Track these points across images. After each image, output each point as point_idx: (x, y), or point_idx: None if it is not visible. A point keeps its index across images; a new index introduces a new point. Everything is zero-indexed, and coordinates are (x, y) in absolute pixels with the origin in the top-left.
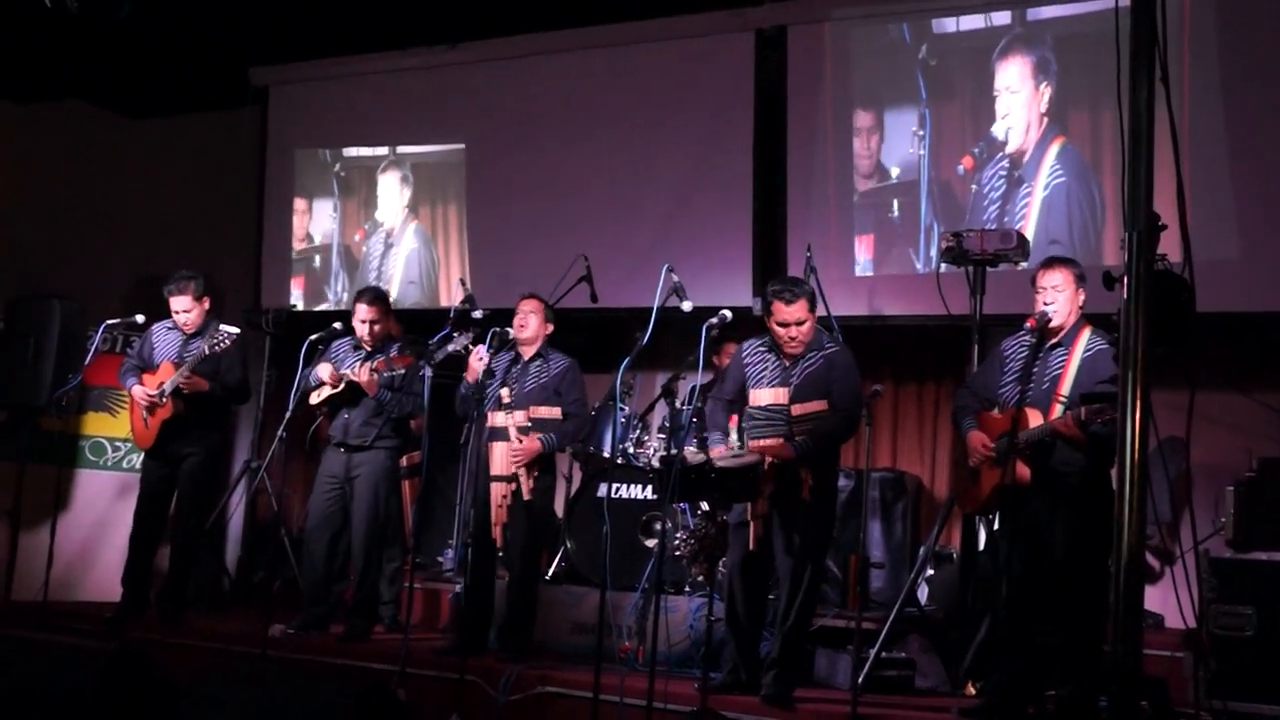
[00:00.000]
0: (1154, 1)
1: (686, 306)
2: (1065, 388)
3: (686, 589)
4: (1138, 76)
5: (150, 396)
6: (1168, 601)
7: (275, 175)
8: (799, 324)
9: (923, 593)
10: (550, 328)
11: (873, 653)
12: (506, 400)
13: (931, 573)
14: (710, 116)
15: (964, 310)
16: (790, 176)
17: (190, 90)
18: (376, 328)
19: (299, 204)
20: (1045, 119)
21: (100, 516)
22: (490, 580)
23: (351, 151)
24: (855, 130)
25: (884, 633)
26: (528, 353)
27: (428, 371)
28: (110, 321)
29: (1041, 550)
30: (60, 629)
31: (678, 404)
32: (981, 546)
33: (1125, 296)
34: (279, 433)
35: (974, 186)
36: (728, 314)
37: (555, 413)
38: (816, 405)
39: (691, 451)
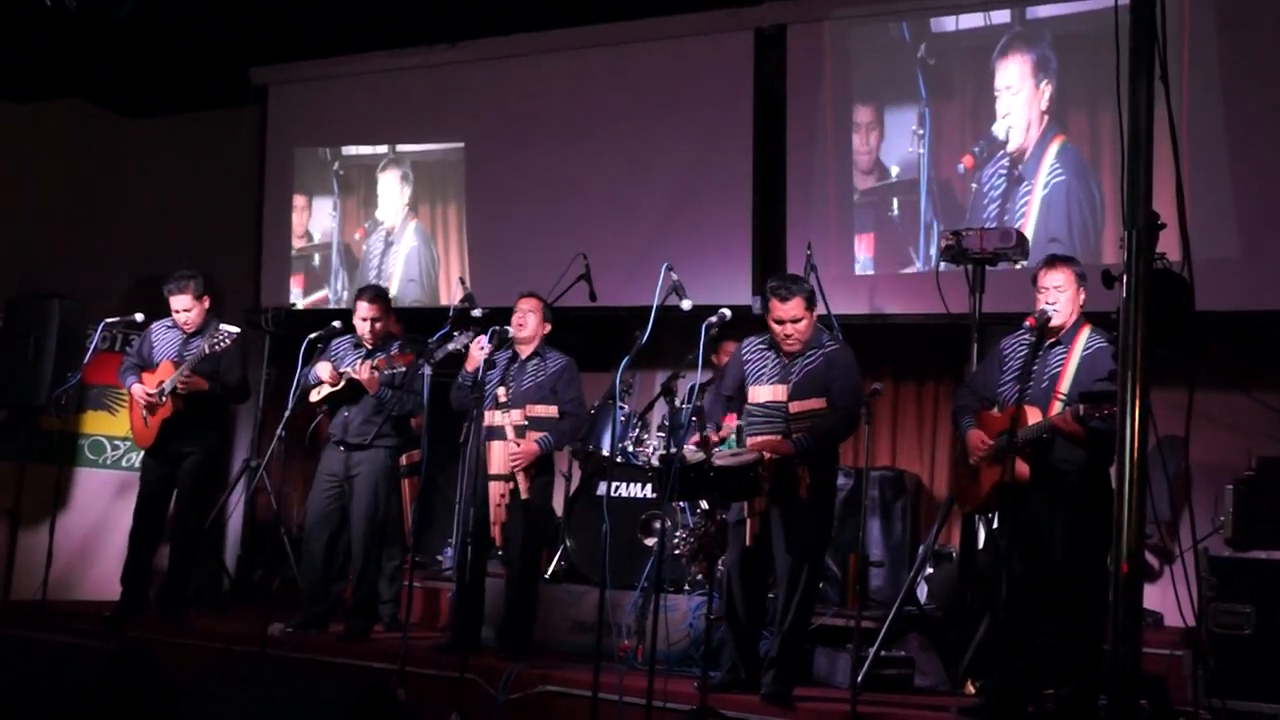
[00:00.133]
0: (1154, 1)
1: (686, 305)
2: (1064, 385)
3: (686, 588)
4: (1137, 76)
5: (149, 395)
6: (1167, 600)
7: (275, 174)
8: (794, 321)
9: (922, 591)
10: (548, 327)
11: (872, 651)
12: (504, 399)
13: (931, 571)
14: (710, 115)
15: (963, 309)
16: (790, 175)
17: (190, 89)
18: (378, 325)
19: (298, 201)
20: (1046, 117)
21: (99, 515)
22: (483, 579)
23: (351, 150)
24: (855, 129)
25: (883, 631)
26: (525, 351)
27: (427, 370)
28: (109, 320)
29: (1041, 549)
30: (60, 628)
31: (677, 402)
32: (981, 545)
33: (1124, 295)
34: (278, 431)
35: (974, 185)
36: (727, 313)
37: (552, 411)
38: (815, 403)
39: (691, 450)
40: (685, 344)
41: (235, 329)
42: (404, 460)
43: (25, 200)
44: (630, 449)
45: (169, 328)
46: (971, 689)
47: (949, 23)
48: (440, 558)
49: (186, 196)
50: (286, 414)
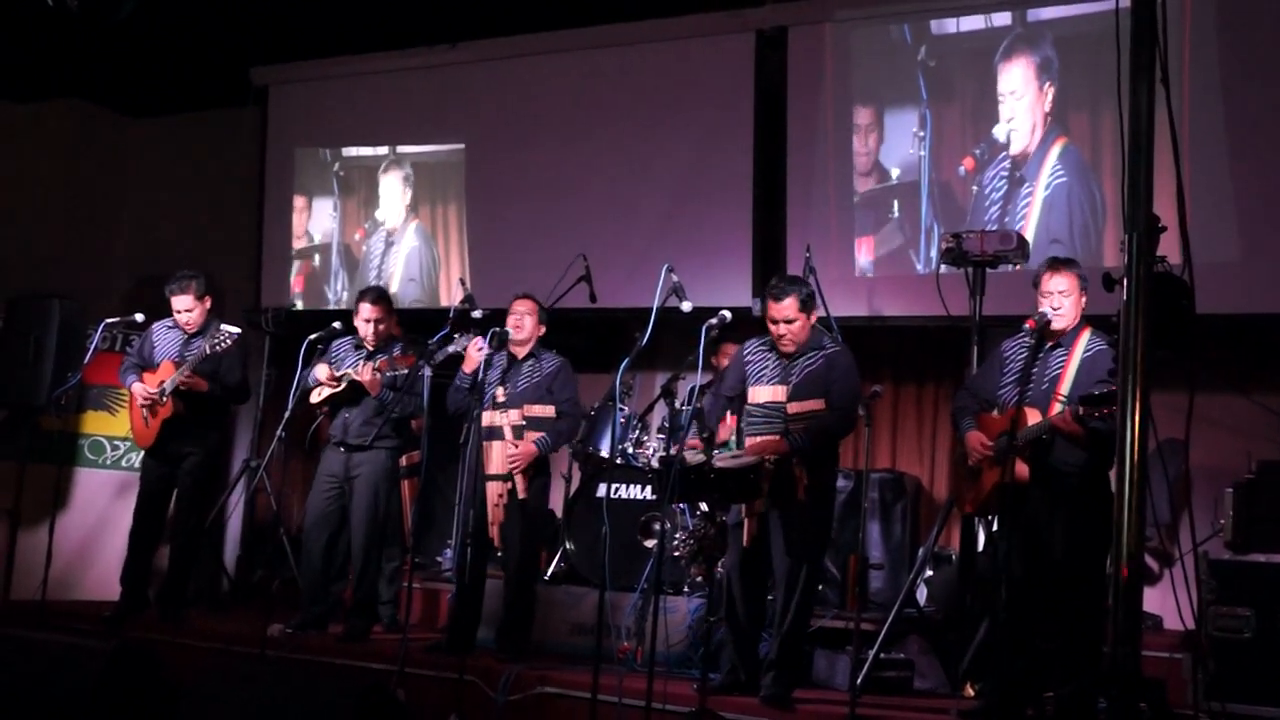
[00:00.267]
0: (1154, 2)
1: (686, 307)
2: (1065, 387)
3: (685, 590)
4: (1138, 78)
5: (150, 395)
6: (1167, 603)
7: (275, 174)
8: (788, 322)
9: (922, 594)
10: (543, 328)
11: (872, 654)
12: (501, 399)
13: (930, 574)
14: (710, 117)
15: (964, 311)
16: (790, 177)
17: (190, 89)
18: (380, 327)
19: (298, 202)
20: (1048, 119)
21: (99, 515)
22: (483, 580)
23: (351, 151)
24: (855, 131)
25: (883, 634)
26: (520, 352)
27: (427, 371)
28: (110, 320)
29: (1041, 550)
30: (59, 628)
31: (677, 404)
32: (981, 547)
33: (1125, 298)
34: (278, 432)
35: (974, 188)
36: (727, 314)
37: (549, 411)
38: (813, 404)
39: (691, 452)
40: (685, 345)
41: (236, 330)
42: (404, 461)
43: (25, 200)
44: (630, 451)
45: (170, 328)
46: (971, 691)
47: (950, 25)
48: (440, 559)
49: (187, 197)
50: (286, 414)
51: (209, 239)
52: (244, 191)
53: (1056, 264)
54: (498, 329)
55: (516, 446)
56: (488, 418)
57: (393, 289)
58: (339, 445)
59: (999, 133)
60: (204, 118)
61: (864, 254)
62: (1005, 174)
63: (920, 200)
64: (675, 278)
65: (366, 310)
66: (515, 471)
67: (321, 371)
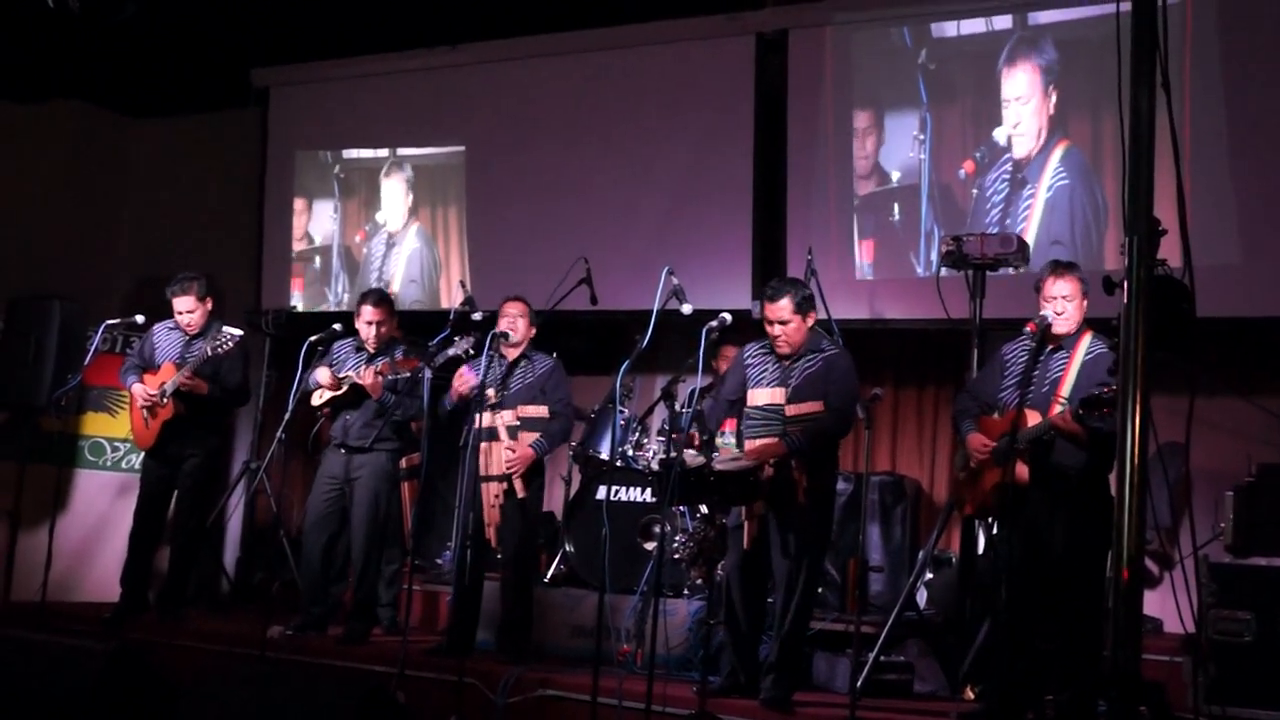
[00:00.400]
0: (1155, 6)
1: (686, 309)
2: (1065, 390)
3: (685, 592)
4: (1138, 82)
5: (150, 396)
6: (1167, 606)
7: (276, 176)
8: (783, 323)
9: (922, 597)
10: (534, 330)
11: (872, 656)
12: (494, 400)
13: (931, 576)
14: (711, 120)
15: (964, 314)
16: (790, 180)
17: (191, 91)
18: (382, 329)
19: (298, 204)
20: (1052, 122)
21: (99, 517)
22: (481, 582)
23: (351, 153)
24: (855, 134)
25: (883, 636)
26: (512, 354)
27: (427, 373)
28: (110, 322)
29: (1041, 551)
30: (59, 629)
31: (677, 407)
32: (981, 550)
33: (1125, 301)
34: (278, 434)
35: (974, 190)
36: (727, 317)
37: (542, 411)
38: (812, 406)
39: (691, 454)
40: (685, 348)
41: (238, 331)
42: (404, 463)
43: (26, 201)
44: (630, 453)
45: (171, 329)
46: (971, 694)
47: (950, 28)
48: (439, 561)
49: (187, 198)
50: (286, 417)
51: (209, 240)
52: (245, 193)
53: (1059, 268)
54: (495, 331)
55: (513, 450)
56: (480, 419)
57: (393, 288)
58: (340, 447)
59: (1004, 137)
60: (205, 119)
61: (864, 257)
62: (1007, 177)
63: (920, 203)
64: (675, 280)
65: (368, 312)
66: (514, 476)
67: (323, 374)
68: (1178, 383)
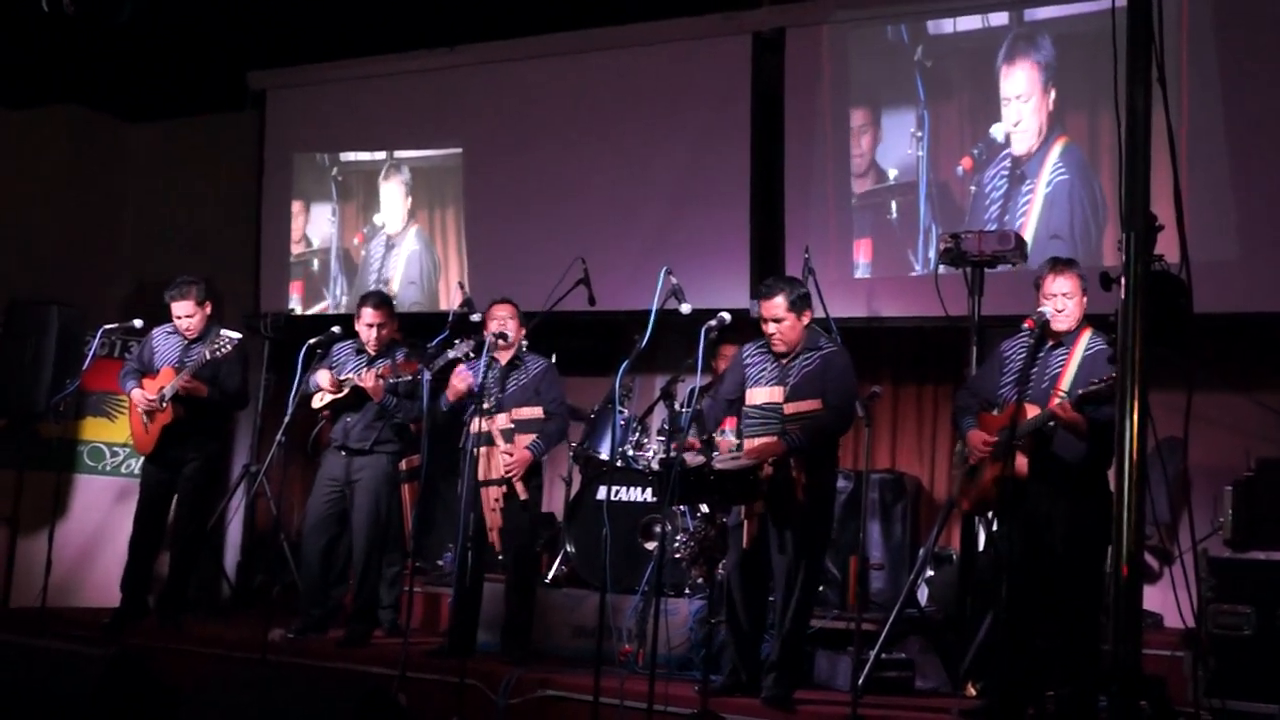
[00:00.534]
0: (1150, 1)
1: (685, 309)
2: (1065, 384)
3: (686, 591)
4: (1134, 77)
5: (150, 401)
6: (1167, 601)
7: (273, 179)
8: (777, 321)
9: (922, 594)
10: (524, 331)
11: (873, 654)
12: (488, 405)
13: (931, 574)
14: (708, 119)
15: (962, 311)
16: (788, 179)
17: (188, 94)
18: (382, 332)
19: (296, 207)
20: (1051, 118)
21: (99, 522)
22: (481, 583)
23: (349, 156)
24: (853, 132)
25: (884, 634)
26: (505, 357)
27: (426, 375)
28: (108, 326)
29: (1041, 547)
30: (59, 635)
31: (677, 406)
32: (981, 547)
33: (1123, 297)
34: (278, 437)
35: (972, 187)
36: (726, 316)
37: (537, 412)
38: (810, 404)
39: (690, 454)
40: (685, 348)
41: (237, 335)
42: (403, 465)
43: (24, 205)
44: (630, 453)
45: (170, 333)
46: (972, 691)
47: (947, 25)
48: (440, 563)
49: (185, 201)
50: (286, 420)
51: (208, 244)
52: (243, 196)
53: (1059, 265)
54: (493, 333)
55: (511, 454)
56: (476, 424)
57: (393, 292)
58: (340, 449)
59: (998, 132)
60: (202, 122)
61: (862, 255)
62: (1006, 173)
63: (918, 201)
64: (674, 280)
65: (368, 315)
66: (515, 478)
67: (324, 378)
68: (1176, 378)
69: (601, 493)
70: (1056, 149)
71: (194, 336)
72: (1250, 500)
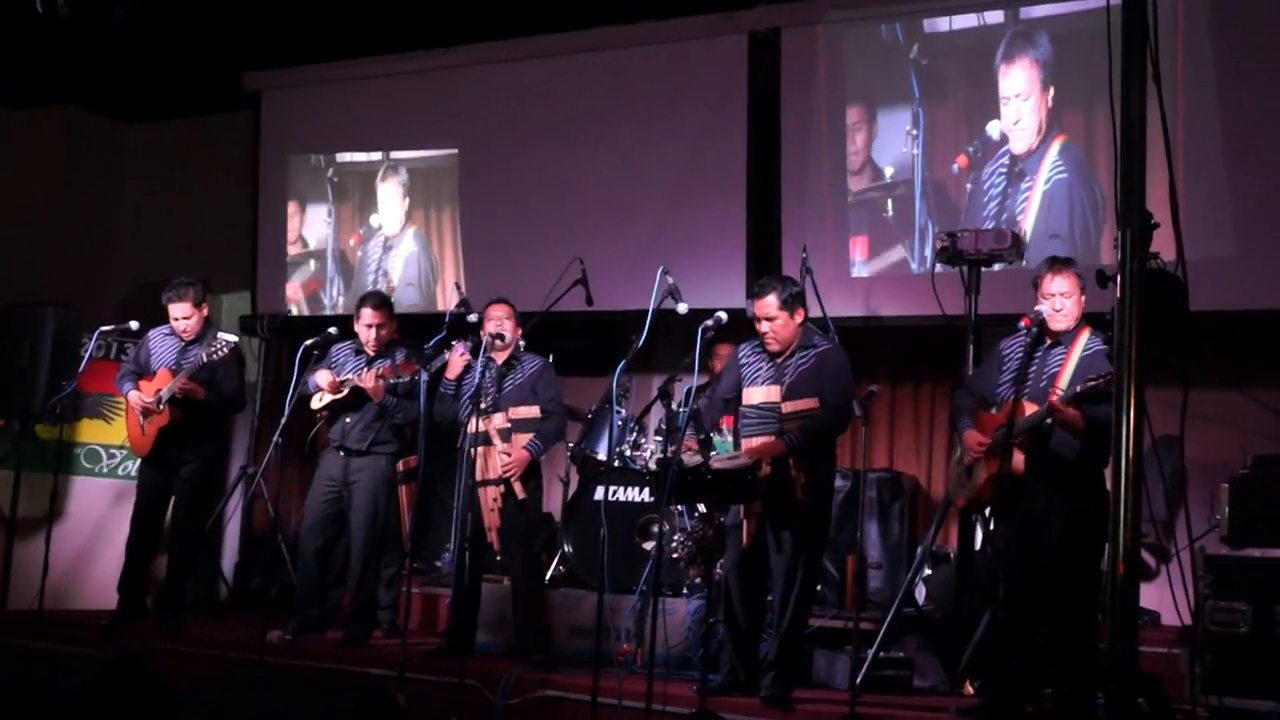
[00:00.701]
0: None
1: (682, 309)
2: (1063, 383)
3: (684, 591)
4: (1129, 75)
5: (146, 403)
6: (1164, 599)
7: (269, 180)
8: (769, 319)
9: (920, 592)
10: (519, 331)
11: (871, 653)
12: (485, 405)
13: (929, 572)
14: (704, 119)
15: (959, 310)
16: (784, 178)
17: (183, 95)
18: (381, 332)
19: (292, 208)
20: (1050, 116)
21: (96, 524)
22: (479, 584)
23: (345, 157)
24: (848, 131)
25: (882, 633)
26: (501, 357)
27: (423, 375)
28: (104, 328)
29: (1038, 545)
30: (57, 637)
31: (674, 406)
32: (979, 545)
33: (1118, 295)
34: (275, 438)
35: (968, 185)
36: (723, 316)
37: (534, 411)
38: (807, 403)
39: (688, 454)
40: (682, 347)
41: (233, 337)
42: (401, 466)
43: (19, 207)
44: (628, 453)
45: (167, 335)
46: (970, 689)
47: (942, 23)
48: (438, 563)
49: (181, 202)
50: (283, 421)
51: (204, 245)
52: (239, 197)
53: (1057, 265)
54: (490, 333)
55: (508, 454)
56: (473, 424)
57: (391, 290)
58: (338, 450)
59: (994, 131)
60: (197, 123)
61: (858, 254)
62: (1004, 170)
63: (914, 199)
64: (670, 280)
65: (367, 315)
66: (514, 478)
67: (323, 378)
68: (1172, 376)
69: (599, 493)
70: (1055, 147)
71: (191, 338)
72: (1247, 497)
